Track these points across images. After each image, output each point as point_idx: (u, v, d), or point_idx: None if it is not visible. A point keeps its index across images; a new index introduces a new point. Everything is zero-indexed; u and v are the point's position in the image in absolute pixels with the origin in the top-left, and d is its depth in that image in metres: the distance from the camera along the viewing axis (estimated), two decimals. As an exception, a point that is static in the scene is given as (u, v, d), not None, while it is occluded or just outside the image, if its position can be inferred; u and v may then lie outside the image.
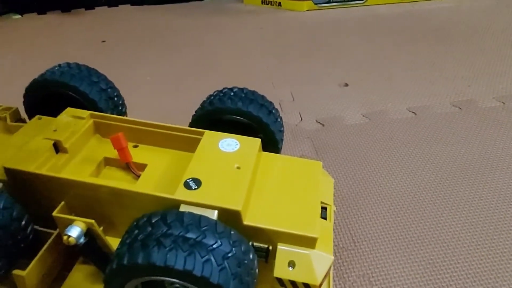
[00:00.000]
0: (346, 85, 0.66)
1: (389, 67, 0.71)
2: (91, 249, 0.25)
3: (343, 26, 0.90)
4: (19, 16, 1.00)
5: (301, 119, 0.57)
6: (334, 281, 0.34)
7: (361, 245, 0.38)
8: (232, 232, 0.22)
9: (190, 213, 0.21)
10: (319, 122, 0.56)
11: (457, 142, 0.51)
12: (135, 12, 1.04)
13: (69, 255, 0.28)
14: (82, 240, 0.24)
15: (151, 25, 0.94)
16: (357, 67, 0.71)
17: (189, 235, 0.20)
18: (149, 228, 0.21)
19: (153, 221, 0.21)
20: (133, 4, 1.08)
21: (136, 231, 0.21)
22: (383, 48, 0.78)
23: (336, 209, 0.41)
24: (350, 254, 0.37)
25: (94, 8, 1.05)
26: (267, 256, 0.25)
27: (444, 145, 0.50)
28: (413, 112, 0.57)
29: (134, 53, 0.78)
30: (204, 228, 0.21)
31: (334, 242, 0.38)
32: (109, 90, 0.34)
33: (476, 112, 0.57)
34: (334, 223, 0.39)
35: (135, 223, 0.22)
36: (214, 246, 0.20)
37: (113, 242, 0.27)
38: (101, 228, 0.27)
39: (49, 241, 0.26)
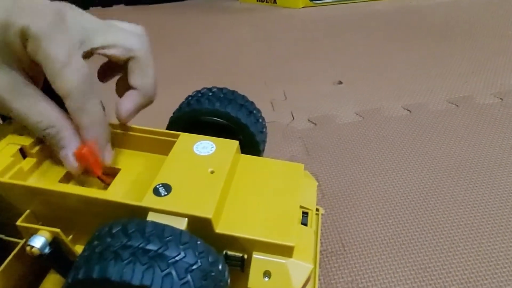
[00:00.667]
0: (340, 83, 0.64)
1: (384, 65, 0.69)
2: (57, 260, 0.24)
3: (338, 22, 0.88)
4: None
5: (293, 118, 0.55)
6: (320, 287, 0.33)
7: (351, 249, 0.36)
8: (199, 242, 0.20)
9: (153, 223, 0.20)
10: (311, 121, 0.54)
11: (453, 140, 0.49)
12: (130, 12, 1.03)
13: (41, 266, 0.27)
14: (46, 250, 0.23)
15: (145, 24, 0.93)
16: (352, 65, 0.69)
17: (149, 246, 0.19)
18: (109, 239, 0.19)
19: (114, 231, 0.20)
20: (127, 4, 1.07)
21: (96, 242, 0.20)
22: (379, 45, 0.77)
23: (325, 211, 0.40)
24: (339, 259, 0.35)
25: (89, 9, 1.05)
26: (242, 266, 0.24)
27: (439, 143, 0.48)
28: (408, 110, 0.56)
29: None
30: (167, 238, 0.19)
31: (322, 246, 0.36)
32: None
33: (473, 109, 0.55)
34: (323, 226, 0.38)
35: (96, 233, 0.21)
36: (177, 258, 0.19)
37: (80, 250, 0.26)
38: (70, 237, 0.26)
39: (14, 251, 0.24)
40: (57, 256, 0.24)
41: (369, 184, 0.43)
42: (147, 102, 0.27)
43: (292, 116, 0.56)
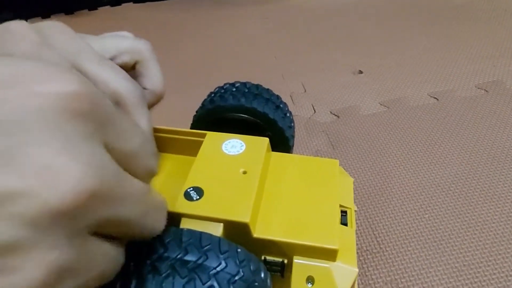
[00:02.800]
0: (360, 72, 0.61)
1: (405, 51, 0.66)
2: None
3: (352, 10, 0.85)
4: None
5: (314, 111, 0.53)
6: (358, 289, 0.31)
7: (387, 247, 0.34)
8: (239, 250, 0.19)
9: (189, 230, 0.19)
10: (333, 114, 0.52)
11: (486, 128, 0.46)
12: (138, 10, 1.02)
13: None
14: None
15: (154, 22, 0.92)
16: (371, 53, 0.67)
17: (188, 257, 0.17)
18: (145, 250, 0.18)
19: (148, 241, 0.18)
20: (135, 2, 1.06)
21: (130, 255, 0.18)
22: (397, 31, 0.74)
23: (357, 208, 0.38)
24: (376, 257, 0.34)
25: (97, 9, 1.04)
26: (282, 271, 0.22)
27: (472, 132, 0.46)
28: (435, 98, 0.53)
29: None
30: (206, 247, 0.18)
31: (357, 244, 0.34)
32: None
33: (504, 94, 0.52)
34: (356, 223, 0.36)
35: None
36: (218, 269, 0.17)
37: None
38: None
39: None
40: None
41: (400, 177, 0.41)
42: (159, 100, 0.26)
43: (314, 109, 0.54)
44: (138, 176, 0.15)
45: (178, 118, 0.53)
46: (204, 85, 0.63)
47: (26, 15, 0.99)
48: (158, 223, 0.17)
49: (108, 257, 0.14)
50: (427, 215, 0.37)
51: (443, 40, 0.68)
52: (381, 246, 0.34)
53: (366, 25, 0.77)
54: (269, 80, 0.62)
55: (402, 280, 0.32)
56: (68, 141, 0.12)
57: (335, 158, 0.44)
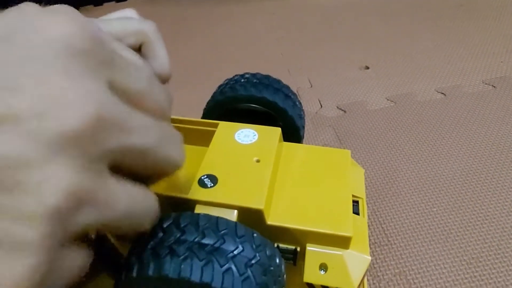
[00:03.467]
0: (367, 67, 0.61)
1: (411, 46, 0.66)
2: (102, 258, 0.23)
3: (358, 5, 0.85)
4: (29, 17, 0.99)
5: (321, 106, 0.53)
6: (368, 280, 0.31)
7: (395, 240, 0.34)
8: (255, 234, 0.19)
9: (206, 215, 0.19)
10: (340, 109, 0.52)
11: (493, 123, 0.46)
12: (144, 5, 1.02)
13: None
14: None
15: (160, 17, 0.92)
16: (377, 48, 0.67)
17: (205, 240, 0.17)
18: (161, 234, 0.18)
19: (165, 225, 0.18)
20: (141, -3, 1.06)
21: (146, 238, 0.18)
22: (404, 26, 0.73)
23: (366, 201, 0.38)
24: (384, 250, 0.34)
25: (103, 4, 1.04)
26: (295, 259, 0.22)
27: (479, 127, 0.46)
28: (442, 93, 0.53)
29: (144, 47, 0.75)
30: (222, 231, 0.18)
31: (365, 237, 0.35)
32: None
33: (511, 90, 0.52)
34: (364, 216, 0.36)
35: (145, 227, 0.19)
36: (235, 252, 0.17)
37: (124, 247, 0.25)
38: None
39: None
40: (101, 253, 0.23)
41: (408, 172, 0.41)
42: (165, 82, 0.26)
43: (320, 104, 0.54)
44: (150, 113, 0.16)
45: (186, 112, 0.53)
46: (211, 80, 0.63)
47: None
48: (176, 152, 0.17)
49: (133, 199, 0.15)
50: (435, 209, 0.37)
51: (450, 36, 0.68)
52: (389, 239, 0.35)
53: (372, 20, 0.77)
54: (275, 75, 0.62)
55: (411, 273, 0.32)
56: (70, 74, 0.12)
57: (343, 152, 0.44)
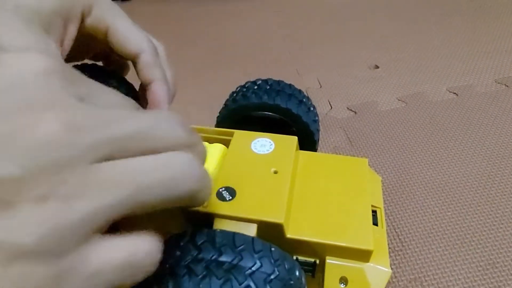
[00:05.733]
0: (377, 67, 0.61)
1: (421, 45, 0.65)
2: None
3: (367, 2, 0.84)
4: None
5: (331, 107, 0.53)
6: (383, 287, 0.31)
7: (410, 245, 0.34)
8: (273, 248, 0.19)
9: (223, 232, 0.19)
10: (350, 110, 0.52)
11: (508, 123, 0.46)
12: (149, 5, 1.02)
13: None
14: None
15: (165, 17, 0.91)
16: (386, 47, 0.66)
17: (223, 258, 0.17)
18: (178, 253, 0.18)
19: (182, 244, 0.18)
20: (146, -4, 1.05)
21: (164, 256, 0.18)
22: (413, 23, 0.72)
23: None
24: (398, 256, 0.33)
25: (108, 4, 1.03)
26: (314, 271, 0.22)
27: (493, 128, 0.45)
28: (454, 93, 0.52)
29: (151, 47, 0.75)
30: (240, 248, 0.18)
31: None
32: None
33: (526, 89, 0.51)
34: (378, 221, 0.36)
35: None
36: (253, 268, 0.17)
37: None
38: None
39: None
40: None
41: (421, 175, 0.41)
42: (172, 98, 0.25)
43: (330, 104, 0.53)
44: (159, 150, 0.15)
45: (195, 113, 0.53)
46: (218, 80, 0.63)
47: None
48: (203, 193, 0.16)
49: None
50: (449, 213, 0.36)
51: (461, 33, 0.67)
52: (404, 244, 0.34)
53: (380, 17, 0.76)
54: (284, 76, 0.61)
55: (426, 279, 0.32)
56: (44, 90, 0.13)
57: (354, 155, 0.44)
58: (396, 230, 0.35)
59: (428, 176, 0.40)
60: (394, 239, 0.35)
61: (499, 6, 0.74)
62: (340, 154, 0.44)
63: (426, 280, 0.31)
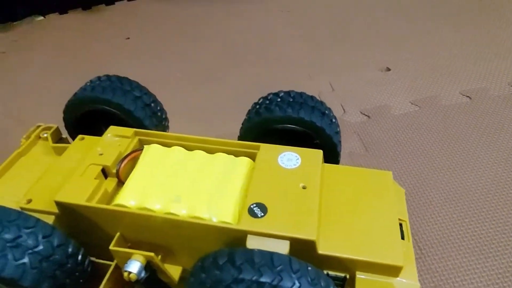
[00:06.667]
0: (388, 69, 0.61)
1: (433, 46, 0.65)
2: (152, 283, 0.24)
3: (376, 3, 0.84)
4: (42, 17, 0.99)
5: (344, 111, 0.53)
6: (403, 295, 0.32)
7: (429, 252, 0.34)
8: (309, 268, 0.19)
9: (260, 252, 0.19)
10: (364, 114, 0.52)
11: (522, 128, 0.46)
12: (155, 4, 1.01)
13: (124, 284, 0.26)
14: (143, 274, 0.23)
15: (172, 17, 0.91)
16: (396, 48, 0.66)
17: (263, 279, 0.18)
18: (217, 272, 0.18)
19: (221, 263, 0.19)
20: (153, -4, 1.05)
21: (203, 275, 0.19)
22: (424, 25, 0.72)
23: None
24: (418, 263, 0.34)
25: (114, 3, 1.03)
26: (343, 285, 0.23)
27: (508, 132, 0.45)
28: (467, 96, 0.52)
29: (160, 48, 0.75)
30: (278, 268, 0.18)
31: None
32: (152, 104, 0.32)
33: (540, 92, 0.51)
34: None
35: (200, 263, 0.20)
36: (293, 289, 0.18)
37: (171, 270, 0.25)
38: (159, 257, 0.25)
39: (108, 274, 0.24)
40: (152, 279, 0.23)
41: (438, 180, 0.41)
42: None
43: (343, 109, 0.53)
44: None
45: (203, 115, 0.53)
46: (229, 83, 0.63)
47: (43, 10, 0.99)
48: None
49: None
50: (467, 220, 0.37)
51: (471, 34, 0.67)
52: (423, 251, 0.35)
53: (389, 19, 0.76)
54: (295, 79, 0.62)
55: (446, 286, 0.32)
56: None
57: (370, 160, 0.44)
58: (415, 237, 0.36)
59: (444, 183, 0.40)
60: (413, 246, 0.35)
61: (508, 6, 0.74)
62: (355, 160, 0.45)
63: (446, 288, 0.32)
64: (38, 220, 0.21)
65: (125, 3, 1.03)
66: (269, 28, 0.80)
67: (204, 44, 0.76)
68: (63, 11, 1.01)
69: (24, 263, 0.19)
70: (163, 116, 0.34)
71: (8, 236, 0.20)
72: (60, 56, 0.76)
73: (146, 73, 0.66)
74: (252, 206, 0.23)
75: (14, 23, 0.97)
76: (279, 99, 0.30)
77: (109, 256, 0.25)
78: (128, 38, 0.82)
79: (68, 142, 0.34)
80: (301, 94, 0.32)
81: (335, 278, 0.22)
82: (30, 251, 0.20)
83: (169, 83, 0.62)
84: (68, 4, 1.01)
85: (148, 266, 0.23)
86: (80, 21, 0.95)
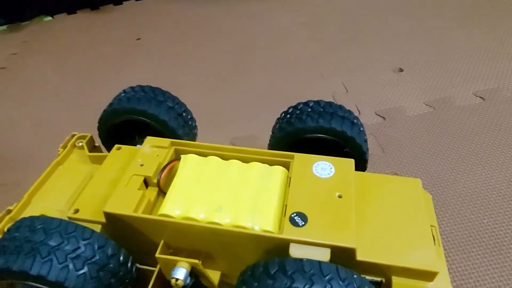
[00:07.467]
0: (401, 70, 0.62)
1: (445, 46, 0.66)
2: (193, 287, 0.25)
3: (389, 4, 0.84)
4: (50, 17, 0.99)
5: (359, 113, 0.54)
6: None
7: (449, 253, 0.36)
8: (355, 276, 0.20)
9: (309, 261, 0.20)
10: (379, 115, 0.53)
11: (536, 129, 0.47)
12: (164, 4, 1.01)
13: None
14: (188, 281, 0.24)
15: (182, 17, 0.92)
16: (410, 49, 0.67)
17: (314, 287, 0.19)
18: (270, 281, 0.20)
19: (272, 272, 0.20)
20: (161, -5, 1.05)
21: (255, 284, 0.20)
22: (437, 25, 0.73)
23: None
24: (439, 263, 0.35)
25: (122, 3, 1.03)
26: (379, 289, 0.24)
27: (522, 134, 0.47)
28: (481, 97, 0.53)
29: (171, 49, 0.76)
30: (327, 277, 0.20)
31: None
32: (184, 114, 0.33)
33: (552, 92, 0.52)
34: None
35: (249, 272, 0.21)
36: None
37: (211, 275, 0.27)
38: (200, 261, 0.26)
39: (153, 279, 0.25)
40: (196, 285, 0.25)
41: (455, 181, 0.42)
42: None
43: (358, 110, 0.54)
44: None
45: (225, 119, 0.54)
46: (242, 85, 0.64)
47: (51, 10, 1.00)
48: None
49: None
50: (485, 220, 0.38)
51: (483, 34, 0.67)
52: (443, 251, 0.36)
53: (400, 18, 0.77)
54: (308, 79, 0.63)
55: (468, 286, 0.33)
56: None
57: (387, 162, 0.45)
58: (435, 238, 0.37)
59: (461, 184, 0.42)
60: (434, 247, 0.36)
61: (519, 4, 0.74)
62: (373, 161, 0.46)
63: (467, 287, 0.33)
64: (93, 231, 0.22)
65: (133, 3, 1.04)
66: (279, 28, 0.81)
67: (215, 44, 0.77)
68: (71, 11, 1.01)
69: (84, 273, 0.21)
70: (193, 125, 0.35)
71: (68, 247, 0.21)
72: (71, 57, 0.77)
73: (159, 75, 0.67)
74: (293, 215, 0.24)
75: (23, 23, 0.97)
76: (309, 109, 0.31)
77: (150, 262, 0.26)
78: (139, 39, 0.82)
79: (101, 151, 0.35)
80: (331, 104, 0.33)
81: (371, 282, 0.24)
82: (88, 261, 0.21)
83: (182, 87, 0.63)
84: (76, 4, 1.01)
85: (192, 272, 0.24)
86: (89, 21, 0.95)
